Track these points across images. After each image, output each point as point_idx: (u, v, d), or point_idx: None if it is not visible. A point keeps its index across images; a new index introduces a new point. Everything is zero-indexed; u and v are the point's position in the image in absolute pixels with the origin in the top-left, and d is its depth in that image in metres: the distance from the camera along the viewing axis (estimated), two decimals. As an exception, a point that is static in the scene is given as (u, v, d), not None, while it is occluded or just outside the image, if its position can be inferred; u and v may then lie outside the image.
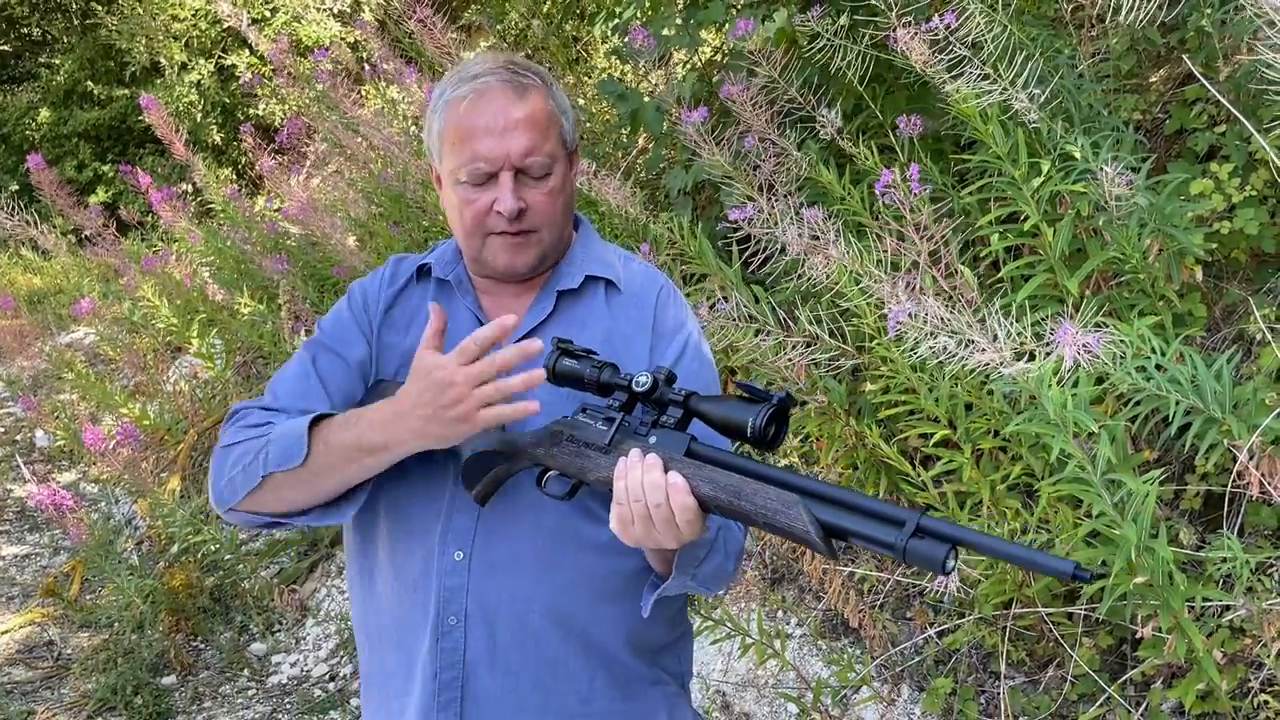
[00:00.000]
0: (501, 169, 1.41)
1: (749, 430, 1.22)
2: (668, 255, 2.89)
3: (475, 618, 1.43)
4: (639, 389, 1.30)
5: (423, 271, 1.57)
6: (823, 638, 3.11)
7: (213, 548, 4.33)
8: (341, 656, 4.08)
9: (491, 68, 1.44)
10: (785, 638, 3.04)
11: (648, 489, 1.22)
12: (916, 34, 2.39)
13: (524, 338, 1.47)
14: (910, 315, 2.08)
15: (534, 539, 1.44)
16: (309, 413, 1.43)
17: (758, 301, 2.61)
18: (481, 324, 1.50)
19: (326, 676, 4.00)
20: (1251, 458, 2.21)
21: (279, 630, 4.31)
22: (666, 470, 1.23)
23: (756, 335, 2.45)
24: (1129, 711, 2.50)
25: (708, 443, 1.29)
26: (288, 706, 3.86)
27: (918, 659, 2.89)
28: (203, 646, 4.27)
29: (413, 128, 5.40)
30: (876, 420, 2.78)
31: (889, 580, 2.98)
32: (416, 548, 1.46)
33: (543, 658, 1.45)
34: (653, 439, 1.29)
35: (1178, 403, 2.17)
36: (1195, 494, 2.64)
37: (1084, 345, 1.99)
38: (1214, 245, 2.63)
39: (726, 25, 3.69)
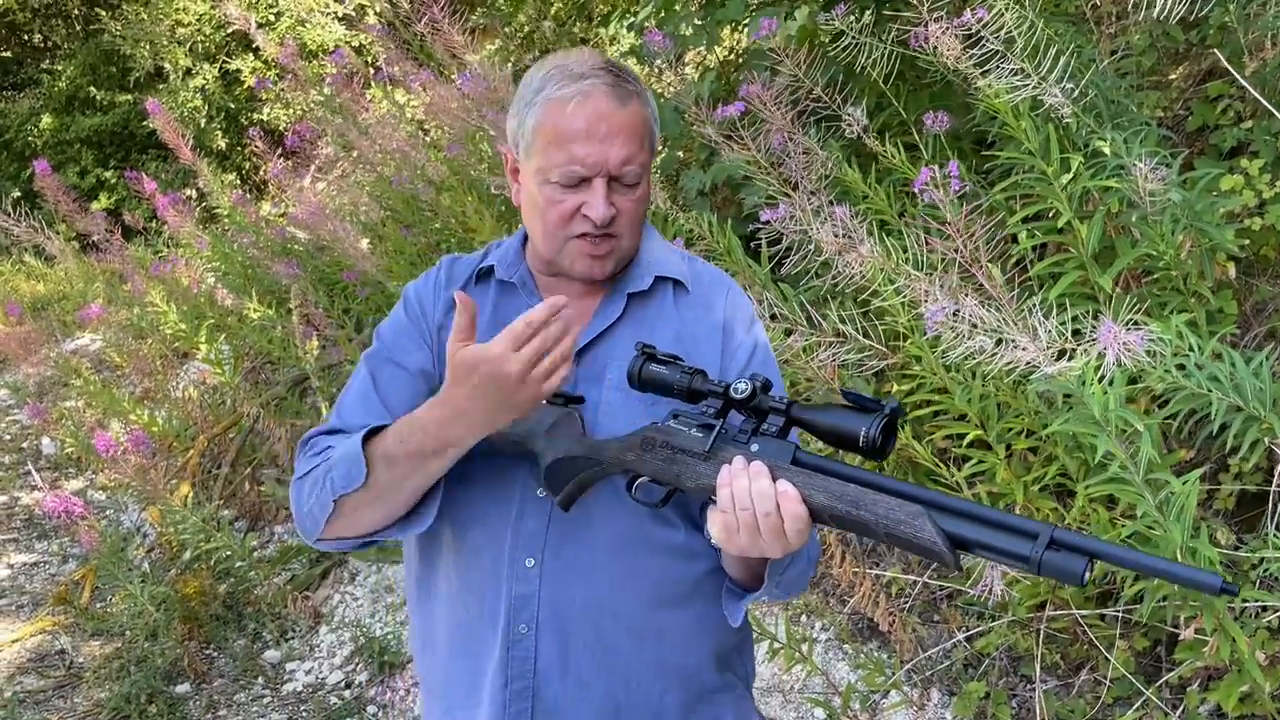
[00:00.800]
0: (597, 175, 1.38)
1: (861, 440, 1.18)
2: (695, 253, 2.86)
3: (547, 626, 1.40)
4: (738, 396, 1.26)
5: (482, 274, 1.54)
6: (850, 641, 3.07)
7: (225, 555, 4.28)
8: (356, 664, 4.04)
9: (595, 68, 1.41)
10: (812, 641, 3.00)
11: (756, 498, 1.19)
12: (947, 29, 2.37)
13: (594, 339, 1.46)
14: (947, 314, 2.06)
15: (607, 543, 1.41)
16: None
17: (786, 300, 2.58)
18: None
19: (342, 684, 3.96)
20: (1291, 456, 2.18)
21: (293, 637, 4.27)
22: (775, 478, 1.20)
23: (788, 336, 2.42)
24: (1166, 714, 2.46)
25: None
26: (303, 714, 3.82)
27: (947, 663, 2.85)
28: (216, 654, 4.22)
29: (434, 131, 5.37)
30: (905, 420, 2.75)
31: (917, 583, 2.95)
32: (484, 553, 1.42)
33: (615, 667, 1.42)
34: (754, 447, 1.26)
35: (1218, 401, 2.14)
36: (1229, 494, 2.61)
37: (1125, 344, 1.96)
38: (1245, 241, 2.60)
39: (745, 25, 3.66)
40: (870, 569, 2.86)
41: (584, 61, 1.42)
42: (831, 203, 2.35)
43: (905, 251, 2.19)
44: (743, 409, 1.28)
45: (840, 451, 1.33)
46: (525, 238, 1.55)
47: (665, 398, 1.34)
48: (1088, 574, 1.06)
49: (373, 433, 1.34)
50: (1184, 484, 2.07)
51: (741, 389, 1.27)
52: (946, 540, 1.12)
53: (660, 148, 4.86)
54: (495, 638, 1.41)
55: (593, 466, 1.35)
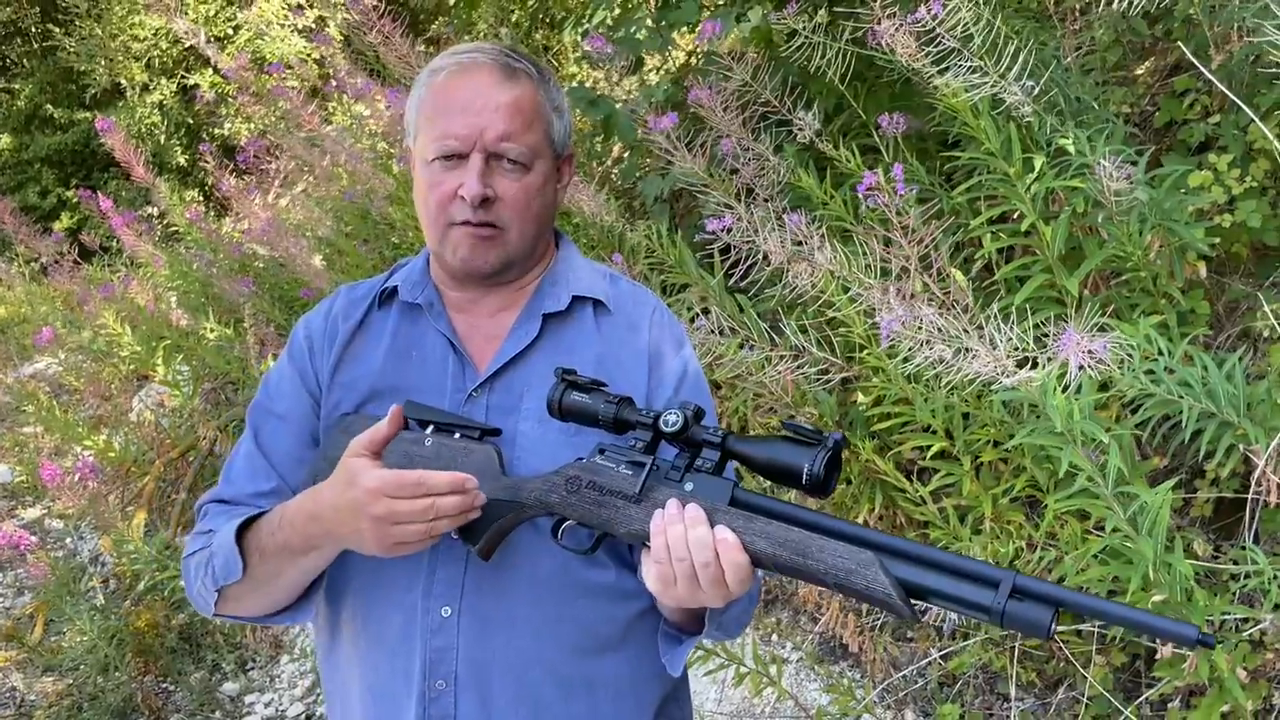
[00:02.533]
0: (473, 150, 1.28)
1: (805, 476, 1.08)
2: (646, 265, 2.75)
3: (467, 680, 1.28)
4: (668, 429, 1.16)
5: (385, 296, 1.43)
6: (820, 663, 2.97)
7: (181, 585, 4.13)
8: (318, 694, 3.91)
9: (483, 47, 1.33)
10: (781, 663, 2.89)
11: (694, 546, 1.09)
12: (901, 25, 2.27)
13: (507, 365, 1.34)
14: (904, 323, 1.96)
15: (531, 588, 1.29)
16: (261, 496, 1.34)
17: (742, 311, 2.48)
18: (454, 348, 1.36)
19: (302, 716, 3.83)
20: (1268, 462, 2.09)
21: (252, 668, 4.13)
22: (712, 524, 1.10)
23: (742, 348, 2.32)
24: (1146, 733, 2.37)
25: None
26: (262, 749, 3.69)
27: (921, 683, 2.75)
28: (172, 688, 4.08)
29: (380, 143, 5.26)
30: (870, 433, 2.65)
31: (888, 601, 2.85)
32: (394, 605, 1.30)
33: None
34: (689, 485, 1.15)
35: (1190, 407, 2.05)
36: (1205, 500, 2.52)
37: (1088, 351, 1.87)
38: (1215, 239, 2.51)
39: (701, 24, 3.56)
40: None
41: (476, 44, 1.34)
42: (785, 210, 2.24)
43: (859, 259, 2.09)
44: (675, 442, 1.17)
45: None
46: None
47: (588, 428, 1.23)
48: (1054, 625, 0.97)
49: (253, 519, 1.26)
50: (1156, 496, 1.98)
51: (672, 420, 1.16)
52: (901, 591, 1.03)
53: (622, 155, 4.76)
54: (410, 696, 1.29)
55: (513, 510, 1.24)
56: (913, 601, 1.04)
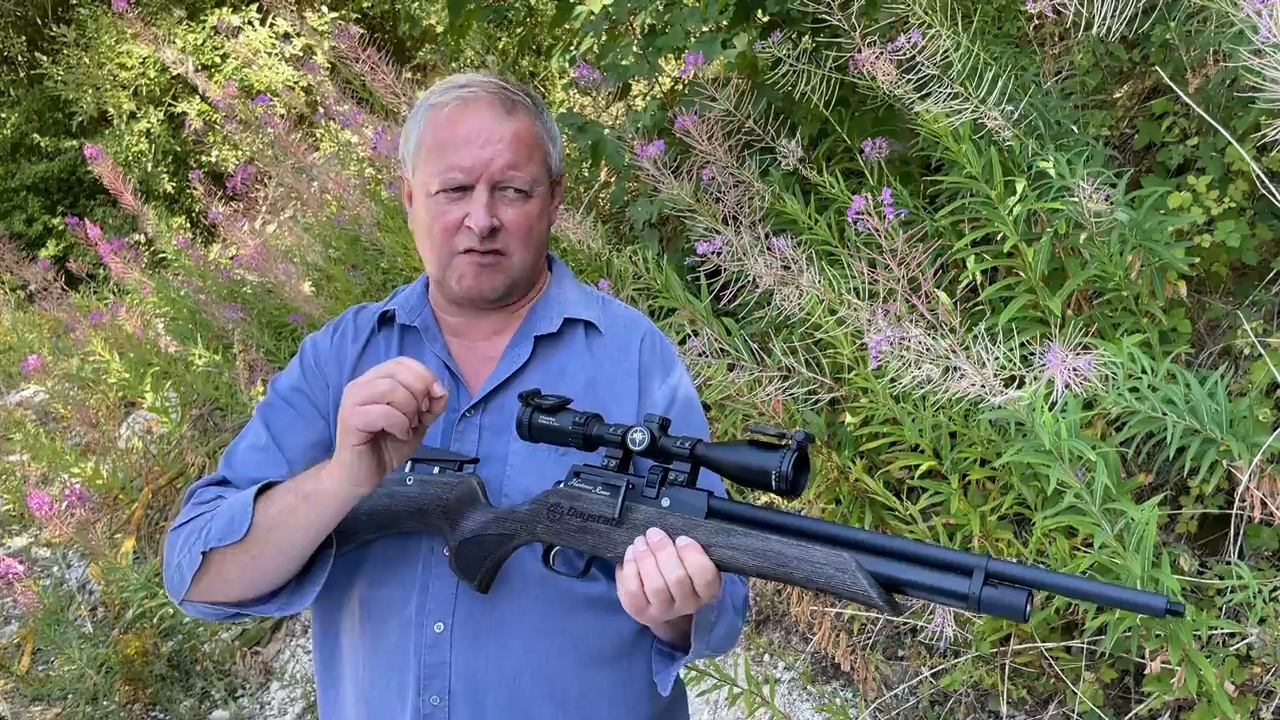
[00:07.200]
0: (478, 181, 1.31)
1: (774, 479, 1.11)
2: (633, 290, 2.77)
3: (461, 696, 1.30)
4: (635, 447, 1.19)
5: (385, 319, 1.46)
6: (813, 682, 2.98)
7: (170, 611, 4.12)
8: (309, 721, 3.90)
9: (479, 79, 1.37)
10: (774, 683, 2.90)
11: (664, 568, 1.12)
12: (882, 54, 2.31)
13: (500, 386, 1.37)
14: (892, 343, 1.98)
15: (522, 602, 1.31)
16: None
17: (729, 334, 2.50)
18: (450, 370, 1.40)
19: (293, 743, 3.81)
20: (1251, 478, 2.12)
21: (242, 695, 4.11)
22: (674, 537, 1.14)
23: (730, 370, 2.34)
24: (1136, 749, 2.39)
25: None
26: (253, 777, 3.67)
27: (913, 701, 2.76)
28: (162, 716, 4.06)
29: (368, 169, 5.30)
30: (858, 452, 2.68)
31: (879, 620, 2.86)
32: (390, 621, 1.33)
33: None
34: (665, 501, 1.19)
35: (1174, 424, 2.08)
36: (1190, 517, 2.55)
37: (1074, 369, 1.90)
38: (1195, 259, 2.56)
39: (685, 53, 3.61)
40: (829, 607, 2.77)
41: (470, 76, 1.38)
42: (769, 235, 2.28)
43: (846, 281, 2.12)
44: (646, 456, 1.21)
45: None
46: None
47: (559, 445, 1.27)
48: (1029, 607, 1.00)
49: (267, 489, 1.25)
50: (1143, 512, 2.01)
51: (639, 439, 1.19)
52: (881, 590, 1.07)
53: (609, 180, 4.80)
54: (404, 712, 1.31)
55: (504, 543, 1.27)
56: (894, 595, 1.07)
